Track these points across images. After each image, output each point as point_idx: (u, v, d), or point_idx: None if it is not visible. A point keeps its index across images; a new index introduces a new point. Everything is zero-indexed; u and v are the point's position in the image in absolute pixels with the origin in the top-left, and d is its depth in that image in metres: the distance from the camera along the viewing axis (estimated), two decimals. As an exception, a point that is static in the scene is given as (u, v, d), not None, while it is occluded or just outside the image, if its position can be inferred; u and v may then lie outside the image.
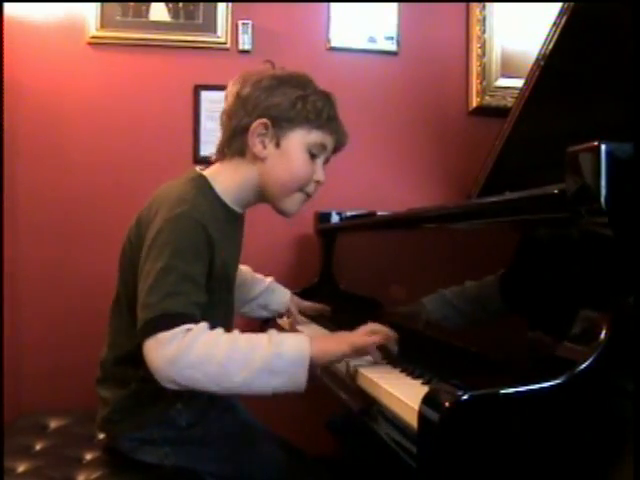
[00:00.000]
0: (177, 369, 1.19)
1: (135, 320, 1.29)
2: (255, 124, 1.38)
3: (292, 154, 1.41)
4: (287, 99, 1.39)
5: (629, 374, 0.86)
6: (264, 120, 1.38)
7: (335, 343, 1.31)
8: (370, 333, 1.33)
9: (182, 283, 1.25)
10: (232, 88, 1.44)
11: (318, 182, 1.46)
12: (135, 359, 1.34)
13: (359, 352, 1.32)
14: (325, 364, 1.32)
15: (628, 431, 0.86)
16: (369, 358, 1.35)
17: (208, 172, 1.45)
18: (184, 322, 1.22)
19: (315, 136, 1.42)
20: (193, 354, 1.20)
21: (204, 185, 1.41)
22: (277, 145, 1.40)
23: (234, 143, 1.43)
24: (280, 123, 1.39)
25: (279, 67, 1.48)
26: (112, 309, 1.46)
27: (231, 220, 1.46)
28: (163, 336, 1.20)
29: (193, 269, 1.28)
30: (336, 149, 1.49)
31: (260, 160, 1.41)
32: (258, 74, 1.43)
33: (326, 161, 1.49)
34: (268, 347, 1.23)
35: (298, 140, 1.41)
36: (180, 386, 1.21)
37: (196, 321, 1.23)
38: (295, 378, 1.24)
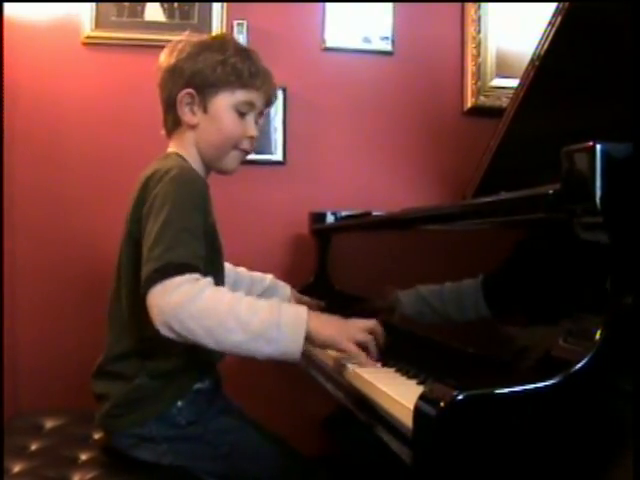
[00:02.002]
0: (180, 316, 1.22)
1: (144, 310, 1.31)
2: (181, 95, 1.46)
3: (220, 116, 1.48)
4: (207, 65, 1.46)
5: (625, 374, 0.86)
6: (188, 90, 1.45)
7: (336, 330, 1.32)
8: (369, 330, 1.34)
9: (182, 235, 1.29)
10: (161, 60, 1.52)
11: (251, 137, 1.52)
12: (142, 352, 1.38)
13: (346, 351, 1.32)
14: (319, 345, 1.34)
15: (625, 431, 0.86)
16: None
17: (173, 151, 1.51)
18: (191, 271, 1.25)
19: (240, 95, 1.48)
20: (197, 305, 1.23)
21: (181, 159, 1.47)
22: (205, 111, 1.48)
23: (169, 116, 1.51)
24: (204, 89, 1.46)
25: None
26: (111, 308, 1.46)
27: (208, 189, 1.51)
28: (171, 282, 1.23)
29: (192, 222, 1.32)
30: (268, 102, 1.56)
31: (193, 128, 1.48)
32: (182, 43, 1.50)
33: (260, 115, 1.55)
34: (268, 314, 1.26)
35: (224, 102, 1.48)
36: (176, 335, 1.24)
37: (202, 273, 1.27)
38: (288, 350, 1.27)
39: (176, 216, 1.29)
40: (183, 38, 1.52)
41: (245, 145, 1.52)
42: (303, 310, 1.30)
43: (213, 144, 1.50)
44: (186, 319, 1.22)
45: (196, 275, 1.25)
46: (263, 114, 1.58)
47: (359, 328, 1.34)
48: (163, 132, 1.56)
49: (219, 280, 1.46)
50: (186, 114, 1.47)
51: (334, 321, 1.36)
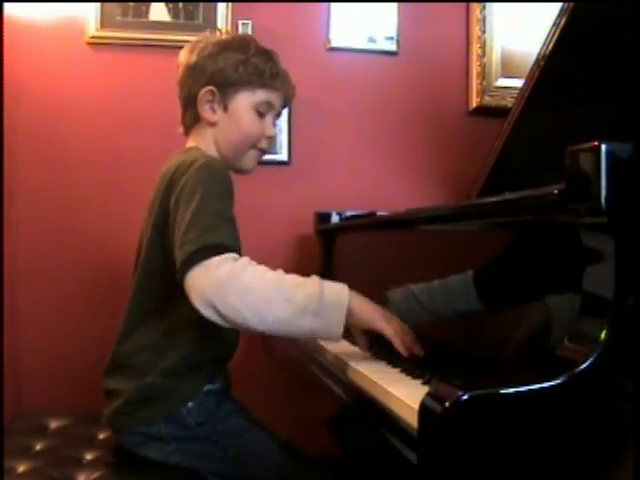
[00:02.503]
0: (223, 294, 1.20)
1: (162, 303, 1.35)
2: (202, 92, 1.47)
3: (240, 115, 1.50)
4: (229, 64, 1.47)
5: (630, 374, 0.86)
6: (210, 87, 1.47)
7: (377, 311, 1.33)
8: (403, 332, 1.32)
9: (217, 219, 1.28)
10: (181, 58, 1.53)
11: (269, 137, 1.54)
12: (159, 347, 1.39)
13: (384, 330, 1.30)
14: (358, 322, 1.32)
15: (628, 431, 0.86)
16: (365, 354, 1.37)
17: (193, 145, 1.53)
18: (229, 251, 1.24)
19: (260, 95, 1.50)
20: (241, 282, 1.21)
21: (203, 152, 1.46)
22: (225, 109, 1.49)
23: (189, 113, 1.53)
24: (225, 88, 1.48)
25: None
26: (131, 299, 1.46)
27: None
28: (211, 262, 1.22)
29: (224, 207, 1.32)
30: (286, 102, 1.58)
31: (212, 125, 1.50)
32: (204, 42, 1.51)
33: (278, 115, 1.58)
34: (312, 288, 1.26)
35: (244, 101, 1.49)
36: (219, 315, 1.22)
37: (240, 253, 1.27)
38: (331, 324, 1.26)
39: (208, 201, 1.29)
40: (203, 37, 1.53)
41: (263, 145, 1.54)
42: (345, 286, 1.30)
43: (232, 142, 1.51)
44: (230, 297, 1.20)
45: (234, 254, 1.25)
46: (280, 115, 1.60)
47: (397, 319, 1.34)
48: (180, 130, 1.57)
49: None
50: (206, 111, 1.49)
51: (373, 304, 1.35)
